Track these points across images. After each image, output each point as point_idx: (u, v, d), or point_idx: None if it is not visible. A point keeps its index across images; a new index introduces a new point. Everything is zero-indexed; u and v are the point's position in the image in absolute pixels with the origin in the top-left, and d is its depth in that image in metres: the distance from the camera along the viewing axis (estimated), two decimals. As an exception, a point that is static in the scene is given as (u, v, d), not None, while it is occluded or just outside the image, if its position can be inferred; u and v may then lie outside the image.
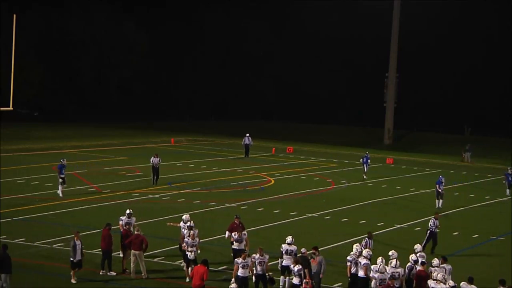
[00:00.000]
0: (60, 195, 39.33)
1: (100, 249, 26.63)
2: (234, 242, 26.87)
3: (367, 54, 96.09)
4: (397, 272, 23.43)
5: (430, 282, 22.67)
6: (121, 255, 26.88)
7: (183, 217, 27.57)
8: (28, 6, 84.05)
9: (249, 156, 60.58)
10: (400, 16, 76.36)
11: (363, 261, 24.07)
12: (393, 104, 77.80)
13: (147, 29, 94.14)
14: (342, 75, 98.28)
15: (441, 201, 41.54)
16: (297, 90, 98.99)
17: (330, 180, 50.37)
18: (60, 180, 39.56)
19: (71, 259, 25.18)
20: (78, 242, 25.17)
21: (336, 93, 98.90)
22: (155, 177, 44.54)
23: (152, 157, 44.80)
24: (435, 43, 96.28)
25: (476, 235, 35.21)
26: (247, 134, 61.62)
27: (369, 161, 52.15)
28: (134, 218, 27.94)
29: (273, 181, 48.45)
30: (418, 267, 23.88)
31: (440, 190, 41.56)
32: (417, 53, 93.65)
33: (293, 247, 25.50)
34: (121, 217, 27.75)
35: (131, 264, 26.01)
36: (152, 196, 40.74)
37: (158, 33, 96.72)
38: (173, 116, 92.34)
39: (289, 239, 25.70)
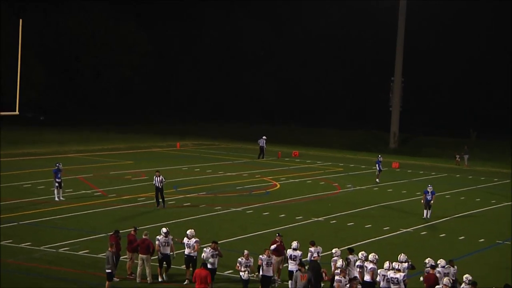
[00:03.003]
0: (56, 198, 39.29)
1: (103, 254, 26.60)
2: (262, 266, 24.63)
3: (372, 57, 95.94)
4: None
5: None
6: (128, 259, 26.79)
7: (188, 232, 26.52)
8: (28, 6, 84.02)
9: (260, 158, 61.80)
10: (406, 18, 76.08)
11: (369, 265, 24.03)
12: (399, 108, 77.58)
13: (147, 29, 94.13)
14: (344, 77, 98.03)
15: (429, 211, 39.26)
16: (303, 94, 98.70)
17: (336, 184, 50.31)
18: (56, 184, 39.54)
19: (108, 270, 24.62)
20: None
21: (340, 96, 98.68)
22: (160, 199, 38.79)
23: (154, 176, 39.19)
24: (441, 45, 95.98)
25: (482, 240, 35.12)
26: (264, 137, 62.93)
27: (376, 165, 51.82)
28: (171, 237, 26.46)
29: (278, 185, 48.41)
30: (428, 270, 23.71)
31: (428, 199, 39.10)
32: (422, 56, 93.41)
33: (298, 253, 25.46)
34: (157, 237, 26.36)
35: (138, 267, 25.99)
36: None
37: (158, 33, 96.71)
38: (178, 120, 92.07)
39: (294, 244, 25.67)
